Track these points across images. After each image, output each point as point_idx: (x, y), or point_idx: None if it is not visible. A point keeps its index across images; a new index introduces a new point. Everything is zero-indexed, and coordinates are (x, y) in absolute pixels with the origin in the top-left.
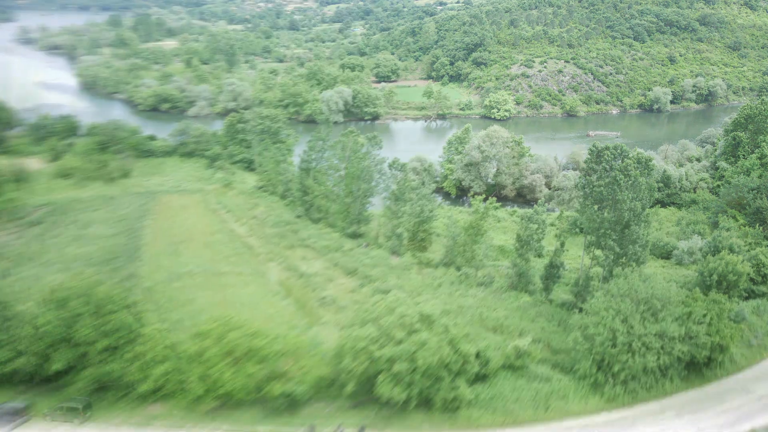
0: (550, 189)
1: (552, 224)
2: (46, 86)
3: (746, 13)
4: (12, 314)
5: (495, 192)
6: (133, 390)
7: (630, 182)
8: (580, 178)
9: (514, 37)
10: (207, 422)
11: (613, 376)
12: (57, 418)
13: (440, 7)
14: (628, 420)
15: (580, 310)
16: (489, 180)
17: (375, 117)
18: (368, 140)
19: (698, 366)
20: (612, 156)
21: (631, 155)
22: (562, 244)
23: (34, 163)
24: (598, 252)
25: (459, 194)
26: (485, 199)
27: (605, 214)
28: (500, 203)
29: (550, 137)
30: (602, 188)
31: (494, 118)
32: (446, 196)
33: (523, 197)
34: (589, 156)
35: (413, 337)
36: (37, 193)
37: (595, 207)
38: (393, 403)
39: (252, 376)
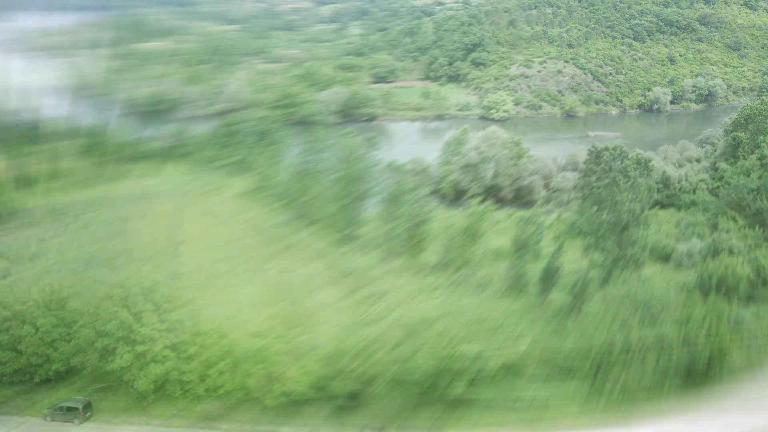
0: (548, 190)
1: (550, 226)
2: (39, 87)
3: (746, 13)
4: (12, 314)
5: (493, 193)
6: (132, 390)
7: (629, 183)
8: (579, 179)
9: (513, 37)
10: (207, 422)
11: (611, 379)
12: (57, 418)
13: (438, 7)
14: (626, 424)
15: (579, 312)
16: (487, 181)
17: (372, 118)
18: (365, 141)
19: (697, 370)
20: (611, 157)
21: (630, 156)
22: (561, 246)
23: (28, 165)
24: (596, 254)
25: (457, 196)
26: (483, 201)
27: (604, 215)
28: (498, 205)
29: (549, 138)
30: (601, 189)
31: (493, 118)
32: (444, 197)
33: (522, 199)
34: (588, 157)
35: (411, 340)
36: (33, 194)
37: (594, 208)
38: (391, 405)
39: (251, 377)
